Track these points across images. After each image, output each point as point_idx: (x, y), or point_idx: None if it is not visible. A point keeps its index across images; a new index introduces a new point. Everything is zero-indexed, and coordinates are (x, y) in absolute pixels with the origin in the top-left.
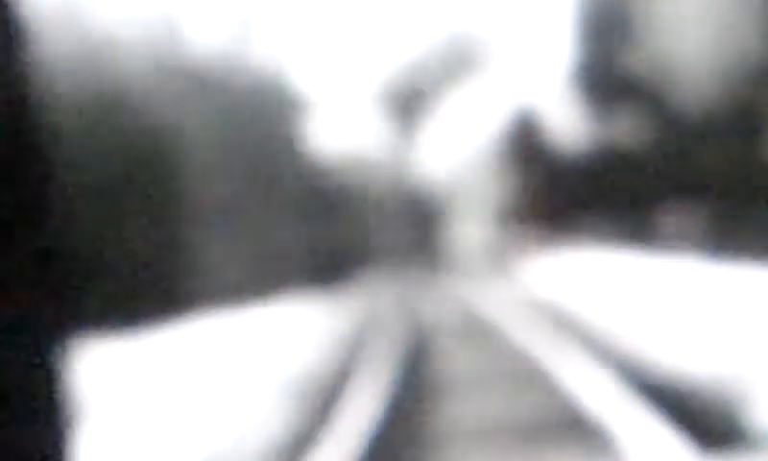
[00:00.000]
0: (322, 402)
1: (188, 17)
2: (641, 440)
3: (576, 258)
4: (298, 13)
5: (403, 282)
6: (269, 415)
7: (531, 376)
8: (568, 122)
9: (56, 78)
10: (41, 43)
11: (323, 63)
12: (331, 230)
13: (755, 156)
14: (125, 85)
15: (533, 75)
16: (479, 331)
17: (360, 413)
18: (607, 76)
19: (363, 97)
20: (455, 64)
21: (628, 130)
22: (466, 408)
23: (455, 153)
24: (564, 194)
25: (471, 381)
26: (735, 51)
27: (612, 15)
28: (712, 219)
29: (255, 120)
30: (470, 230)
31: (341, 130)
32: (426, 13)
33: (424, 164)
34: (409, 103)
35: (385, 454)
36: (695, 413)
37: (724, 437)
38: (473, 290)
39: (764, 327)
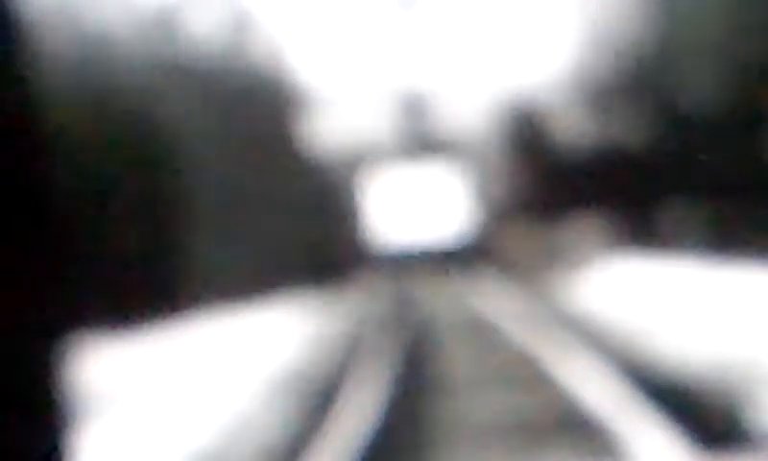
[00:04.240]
0: (320, 402)
1: (187, 15)
2: (642, 440)
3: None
4: (295, 9)
5: (404, 281)
6: (267, 415)
7: (531, 376)
8: (569, 121)
9: (55, 77)
10: (41, 43)
11: (322, 59)
12: (331, 228)
13: (755, 156)
14: (124, 85)
15: (534, 74)
16: (480, 330)
17: (359, 413)
18: (608, 75)
19: (362, 95)
20: (455, 63)
21: (628, 129)
22: (466, 408)
23: (456, 151)
24: (565, 193)
25: (471, 381)
26: (736, 51)
27: (612, 14)
28: (713, 218)
29: (254, 118)
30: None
31: (340, 127)
32: (425, 12)
33: (424, 162)
34: (409, 100)
35: (384, 455)
36: (696, 413)
37: (724, 437)
38: (474, 289)
39: (765, 326)
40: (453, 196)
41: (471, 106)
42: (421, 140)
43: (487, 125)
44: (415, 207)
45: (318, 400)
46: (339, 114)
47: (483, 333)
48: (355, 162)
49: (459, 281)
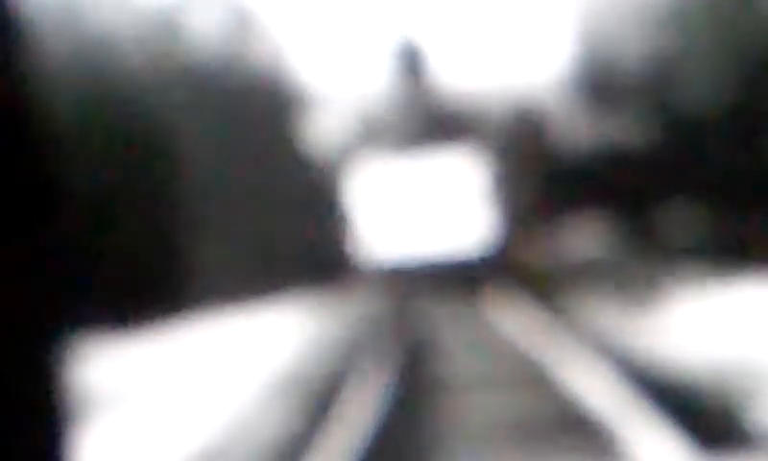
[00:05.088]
0: (321, 403)
1: (187, 15)
2: (642, 440)
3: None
4: (296, 10)
5: (405, 283)
6: (267, 415)
7: (532, 377)
8: (569, 122)
9: (55, 78)
10: (41, 43)
11: (323, 60)
12: (332, 229)
13: (755, 156)
14: (124, 85)
15: (533, 75)
16: (480, 331)
17: (359, 413)
18: (608, 76)
19: (363, 93)
20: (455, 65)
21: (629, 130)
22: (466, 409)
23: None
24: (564, 194)
25: (471, 382)
26: (736, 51)
27: (612, 15)
28: (713, 219)
29: (255, 118)
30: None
31: (342, 128)
32: (425, 14)
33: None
34: (408, 103)
35: (384, 455)
36: (696, 413)
37: (724, 437)
38: (474, 290)
39: (765, 327)
40: (458, 197)
41: (475, 105)
42: (425, 140)
43: (490, 125)
44: (418, 208)
45: (318, 401)
46: (340, 114)
47: (483, 334)
48: (357, 164)
49: (461, 285)
